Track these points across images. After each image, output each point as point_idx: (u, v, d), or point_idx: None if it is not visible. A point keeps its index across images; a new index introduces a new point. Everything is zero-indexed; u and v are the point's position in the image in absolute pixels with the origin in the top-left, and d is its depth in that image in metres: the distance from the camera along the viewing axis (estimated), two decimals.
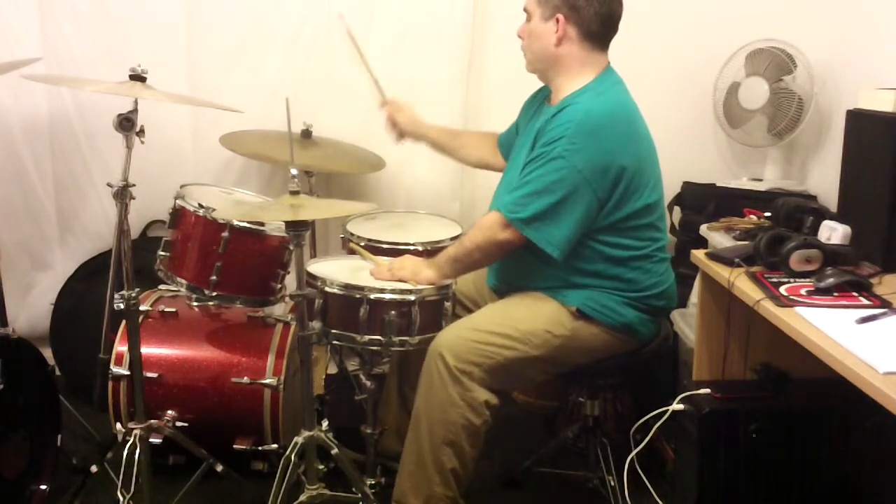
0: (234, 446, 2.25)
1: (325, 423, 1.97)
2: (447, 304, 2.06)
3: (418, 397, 2.01)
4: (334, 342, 2.03)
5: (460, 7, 2.86)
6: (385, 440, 2.29)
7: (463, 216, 2.89)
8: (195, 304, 2.24)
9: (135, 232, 2.71)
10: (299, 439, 1.92)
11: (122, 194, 2.02)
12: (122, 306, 1.99)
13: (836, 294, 1.76)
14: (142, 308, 2.22)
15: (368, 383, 2.14)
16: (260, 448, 2.26)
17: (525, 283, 2.10)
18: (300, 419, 1.95)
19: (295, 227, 1.82)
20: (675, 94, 2.93)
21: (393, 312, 1.96)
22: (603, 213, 1.98)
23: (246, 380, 2.24)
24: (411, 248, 2.36)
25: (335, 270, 2.12)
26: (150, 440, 2.07)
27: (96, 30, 2.76)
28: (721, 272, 1.97)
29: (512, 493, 2.41)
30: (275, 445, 2.26)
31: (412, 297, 1.98)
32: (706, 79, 2.87)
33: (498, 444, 2.20)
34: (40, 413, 2.20)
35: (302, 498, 1.95)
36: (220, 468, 2.20)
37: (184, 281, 2.23)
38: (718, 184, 2.88)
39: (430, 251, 2.37)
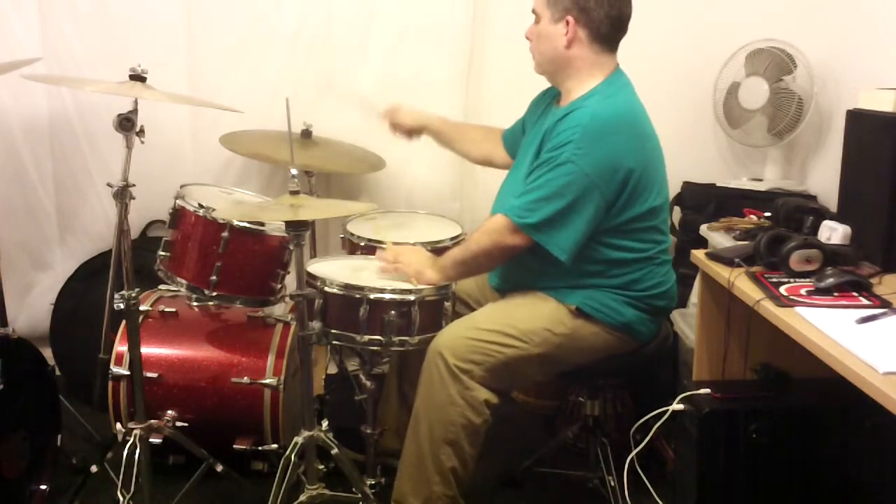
0: (234, 446, 2.25)
1: (325, 423, 1.97)
2: (447, 304, 2.06)
3: (418, 397, 2.01)
4: (334, 342, 2.03)
5: (460, 7, 2.85)
6: (385, 440, 2.29)
7: (463, 216, 2.89)
8: (195, 304, 2.24)
9: (135, 232, 2.71)
10: (299, 439, 1.92)
11: (122, 194, 2.02)
12: (122, 306, 1.99)
13: (836, 294, 1.76)
14: (142, 308, 2.22)
15: (368, 383, 2.14)
16: (260, 448, 2.26)
17: (528, 283, 2.10)
18: (300, 419, 1.95)
19: (295, 227, 1.82)
20: (675, 94, 2.92)
21: (393, 312, 1.96)
22: (609, 216, 1.98)
23: (246, 380, 2.24)
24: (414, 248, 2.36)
25: (335, 270, 2.12)
26: (150, 440, 2.07)
27: (96, 30, 2.76)
28: (721, 272, 1.97)
29: (512, 493, 2.41)
30: (275, 445, 2.26)
31: (412, 297, 1.98)
32: (706, 79, 2.87)
33: (498, 444, 2.19)
34: (40, 413, 2.20)
35: (302, 498, 1.95)
36: (220, 468, 2.20)
37: (184, 281, 2.23)
38: (718, 184, 2.88)
39: (430, 251, 2.37)
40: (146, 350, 2.21)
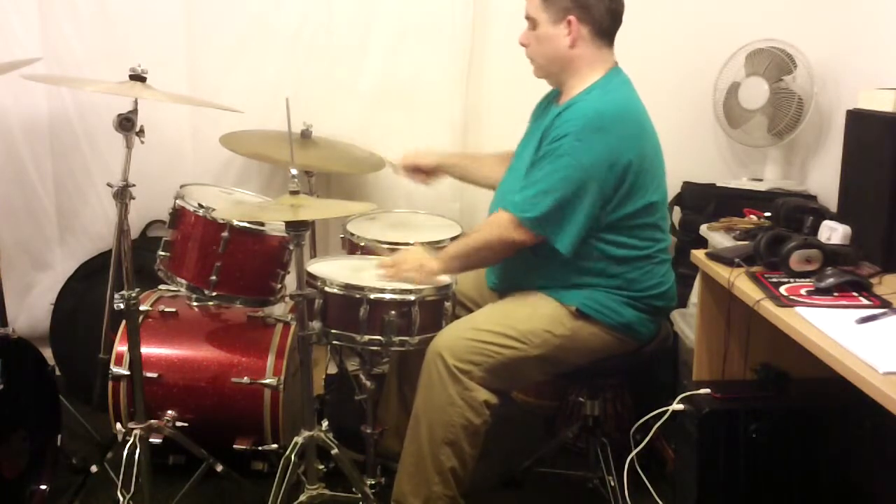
0: (234, 446, 2.25)
1: (324, 423, 1.97)
2: (447, 304, 2.06)
3: (418, 397, 2.01)
4: (334, 342, 2.03)
5: (460, 7, 2.85)
6: (385, 440, 2.29)
7: (463, 216, 2.89)
8: (195, 304, 2.24)
9: (135, 232, 2.71)
10: (299, 439, 1.92)
11: (122, 194, 2.02)
12: (122, 306, 1.99)
13: (836, 294, 1.76)
14: (142, 308, 2.22)
15: (368, 383, 2.14)
16: (260, 448, 2.26)
17: (526, 281, 2.10)
18: (300, 419, 1.95)
19: (295, 227, 1.82)
20: (675, 94, 2.92)
21: (393, 312, 1.96)
22: (606, 210, 1.98)
23: (246, 380, 2.24)
24: (411, 248, 2.36)
25: (335, 270, 2.12)
26: (150, 440, 2.07)
27: (96, 30, 2.76)
28: (721, 272, 1.97)
29: (512, 493, 2.41)
30: (275, 445, 2.26)
31: (412, 297, 1.98)
32: (706, 79, 2.87)
33: (498, 444, 2.20)
34: (40, 413, 2.20)
35: (302, 498, 1.95)
36: (220, 468, 2.20)
37: (184, 281, 2.23)
38: (718, 184, 2.88)
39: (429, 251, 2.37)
40: (146, 350, 2.21)
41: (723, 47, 2.82)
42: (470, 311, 2.21)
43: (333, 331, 2.00)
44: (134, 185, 2.04)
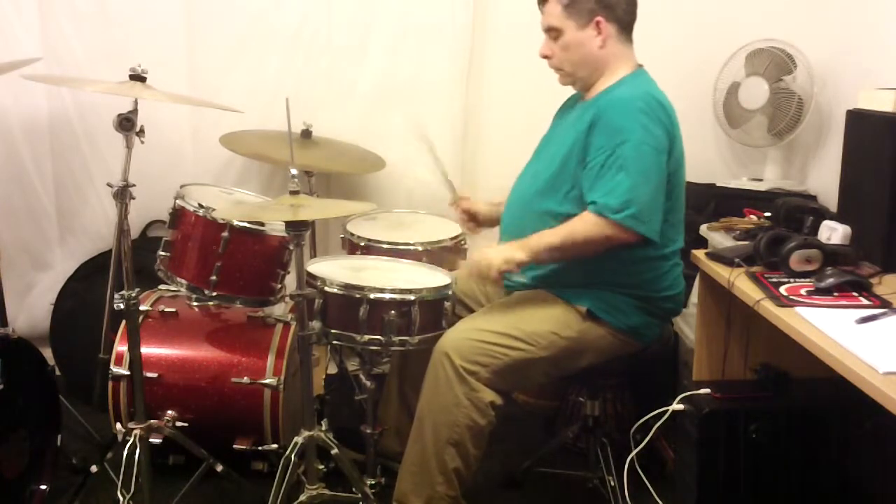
0: (234, 446, 2.25)
1: (324, 423, 1.97)
2: (447, 304, 2.06)
3: (423, 397, 2.01)
4: (334, 342, 2.03)
5: (460, 7, 2.85)
6: (385, 440, 2.29)
7: None
8: (195, 304, 2.24)
9: (135, 232, 2.71)
10: (299, 439, 1.92)
11: (122, 194, 2.02)
12: (122, 306, 1.99)
13: (836, 294, 1.76)
14: (142, 308, 2.22)
15: (368, 383, 2.14)
16: (260, 448, 2.26)
17: (542, 279, 2.08)
18: (300, 419, 1.95)
19: (295, 227, 1.82)
20: (675, 94, 2.88)
21: (393, 312, 1.96)
22: None
23: (246, 380, 2.24)
24: (411, 248, 2.36)
25: (335, 270, 2.12)
26: (150, 440, 2.07)
27: (96, 30, 2.76)
28: (721, 272, 1.97)
29: (512, 493, 2.41)
30: (275, 445, 2.26)
31: (412, 297, 1.98)
32: (706, 79, 2.87)
33: (498, 444, 2.20)
34: (40, 413, 2.20)
35: (302, 498, 1.95)
36: (220, 468, 2.19)
37: (184, 281, 2.23)
38: (718, 184, 2.88)
39: (430, 251, 2.37)
40: (146, 350, 2.21)
41: (723, 47, 2.82)
42: (471, 310, 2.21)
43: (333, 331, 2.00)
44: (134, 185, 2.03)
